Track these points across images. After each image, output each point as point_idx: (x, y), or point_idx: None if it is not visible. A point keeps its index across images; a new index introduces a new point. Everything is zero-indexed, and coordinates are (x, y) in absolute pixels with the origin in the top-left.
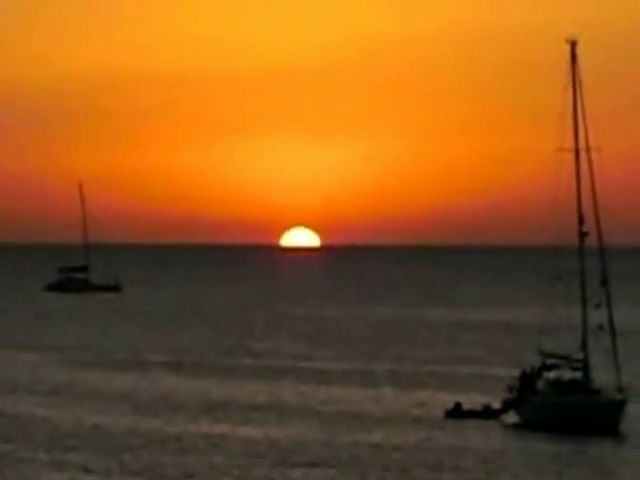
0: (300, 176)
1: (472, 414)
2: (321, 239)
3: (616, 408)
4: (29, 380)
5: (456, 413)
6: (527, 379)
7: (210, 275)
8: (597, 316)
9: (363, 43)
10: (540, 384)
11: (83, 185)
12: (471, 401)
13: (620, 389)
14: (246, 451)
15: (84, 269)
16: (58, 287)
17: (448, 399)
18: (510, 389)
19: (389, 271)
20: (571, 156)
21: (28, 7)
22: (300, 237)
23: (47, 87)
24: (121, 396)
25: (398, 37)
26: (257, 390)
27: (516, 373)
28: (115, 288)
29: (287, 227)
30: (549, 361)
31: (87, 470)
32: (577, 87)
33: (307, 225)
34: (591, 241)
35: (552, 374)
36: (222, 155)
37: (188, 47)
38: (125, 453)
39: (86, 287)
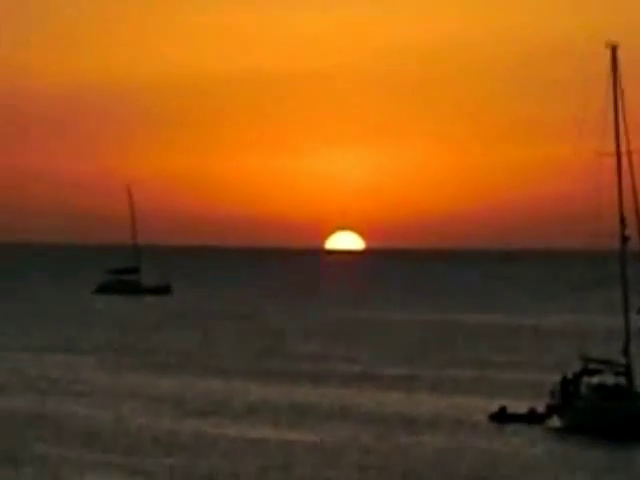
0: (344, 179)
1: (517, 418)
2: (366, 242)
3: None
4: (73, 381)
5: (501, 417)
6: (567, 384)
7: (258, 278)
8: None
9: (400, 51)
10: (583, 389)
11: (131, 187)
12: (516, 405)
13: None
14: (294, 452)
15: (135, 271)
16: (108, 289)
17: (493, 403)
18: (553, 394)
19: (434, 274)
20: (612, 160)
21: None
22: (345, 240)
23: (98, 89)
24: (166, 398)
25: (433, 43)
26: (312, 392)
27: (558, 378)
28: (165, 290)
29: (333, 230)
30: (591, 366)
31: (134, 472)
32: (618, 91)
33: (352, 228)
34: (633, 245)
35: (595, 379)
36: (271, 160)
37: (246, 47)
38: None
39: (136, 289)
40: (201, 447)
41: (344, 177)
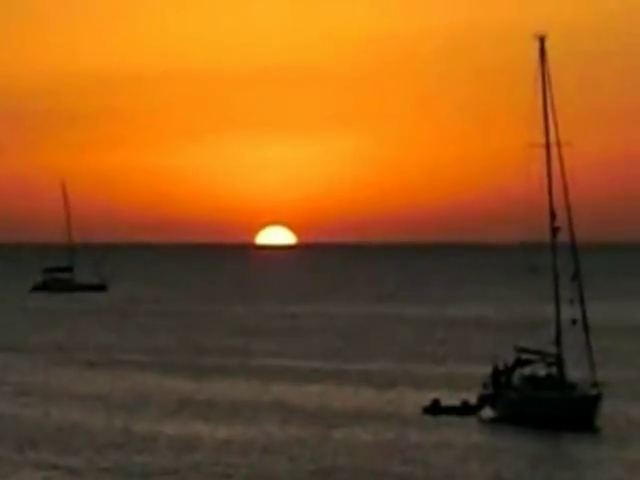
0: (280, 174)
1: (450, 410)
2: (297, 237)
3: (591, 403)
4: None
5: (434, 409)
6: (499, 374)
7: (188, 274)
8: (570, 311)
9: (350, 42)
10: (515, 379)
11: (66, 184)
12: (449, 397)
13: (595, 384)
14: (230, 448)
15: (69, 269)
16: (44, 287)
17: (426, 396)
18: (485, 385)
19: (363, 268)
20: (542, 151)
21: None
22: (276, 235)
23: (28, 87)
24: (96, 395)
25: (383, 37)
26: (243, 387)
27: (490, 369)
28: (101, 287)
29: (264, 225)
30: (524, 356)
31: (66, 471)
32: (546, 82)
33: (284, 223)
34: (563, 236)
35: (527, 369)
36: (203, 154)
37: (170, 46)
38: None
39: (71, 287)
40: (133, 444)
41: (273, 171)
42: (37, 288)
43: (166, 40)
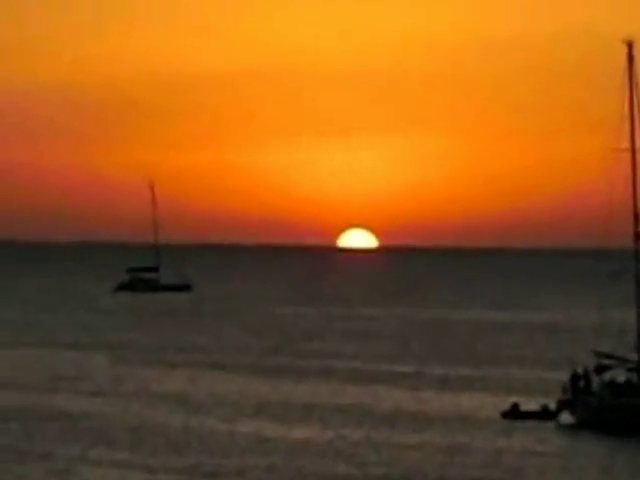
0: (363, 178)
1: (529, 415)
2: (379, 240)
3: None
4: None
5: (513, 414)
6: (577, 379)
7: (277, 275)
8: None
9: (435, 45)
10: (595, 385)
11: (155, 185)
12: (529, 402)
13: None
14: (300, 449)
15: (154, 269)
16: (128, 287)
17: (505, 400)
18: (565, 390)
19: (447, 272)
20: (628, 156)
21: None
22: (358, 238)
23: (120, 88)
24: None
25: (464, 42)
26: (319, 389)
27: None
28: (185, 288)
29: (346, 228)
30: (604, 362)
31: (148, 469)
32: (634, 87)
33: (364, 226)
34: None
35: (607, 375)
36: (288, 154)
37: (259, 45)
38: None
39: (156, 287)
40: (208, 444)
41: (357, 174)
42: (122, 287)
43: (255, 39)
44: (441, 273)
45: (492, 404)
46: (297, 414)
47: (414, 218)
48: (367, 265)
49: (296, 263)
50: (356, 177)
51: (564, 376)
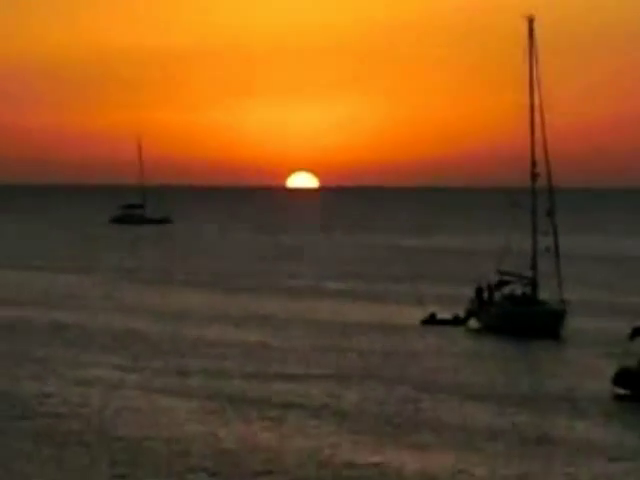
0: (301, 129)
1: (444, 322)
2: (319, 181)
3: (558, 316)
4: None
5: (431, 321)
6: (481, 292)
7: (238, 210)
8: (544, 242)
9: (353, 24)
10: (497, 297)
11: (141, 138)
12: (444, 311)
13: (561, 301)
14: (254, 350)
15: (141, 206)
16: (119, 220)
17: (424, 311)
18: (472, 301)
19: (377, 208)
20: (527, 112)
21: None
22: (302, 180)
23: (113, 58)
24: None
25: (388, 22)
26: (268, 303)
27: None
28: (167, 221)
29: (291, 171)
30: (505, 278)
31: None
32: (533, 57)
33: (308, 169)
34: (542, 182)
35: (507, 289)
36: (243, 113)
37: (213, 26)
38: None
39: (143, 220)
40: (179, 348)
41: (302, 127)
42: (114, 221)
43: (215, 19)
44: (369, 208)
45: (413, 314)
46: (252, 323)
47: (349, 163)
48: (310, 201)
49: (253, 200)
50: (301, 131)
51: (471, 291)
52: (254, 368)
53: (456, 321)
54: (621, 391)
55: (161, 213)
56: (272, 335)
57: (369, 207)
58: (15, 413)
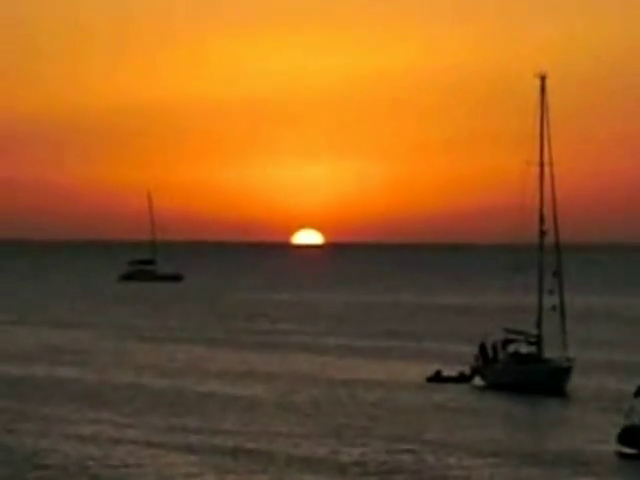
0: (307, 186)
1: (449, 379)
2: (324, 238)
3: (563, 374)
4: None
5: (436, 378)
6: (485, 350)
7: (241, 268)
8: (550, 300)
9: (355, 79)
10: (502, 355)
11: (151, 193)
12: (450, 369)
13: (567, 359)
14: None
15: (151, 262)
16: (130, 277)
17: (430, 368)
18: (477, 358)
19: (380, 264)
20: (537, 168)
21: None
22: (307, 236)
23: (123, 112)
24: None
25: (393, 76)
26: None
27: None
28: (178, 277)
29: (297, 227)
30: (510, 336)
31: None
32: (544, 114)
33: (312, 226)
34: (549, 239)
35: (512, 347)
36: (250, 169)
37: (229, 76)
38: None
39: (153, 277)
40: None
41: (307, 186)
42: (125, 277)
43: (222, 75)
44: (374, 265)
45: (418, 371)
46: (255, 379)
47: (353, 220)
48: (315, 258)
49: (261, 257)
50: (306, 189)
51: (475, 349)
52: (256, 424)
53: (461, 378)
54: (627, 450)
55: (172, 269)
56: (275, 391)
57: (369, 265)
58: (17, 467)
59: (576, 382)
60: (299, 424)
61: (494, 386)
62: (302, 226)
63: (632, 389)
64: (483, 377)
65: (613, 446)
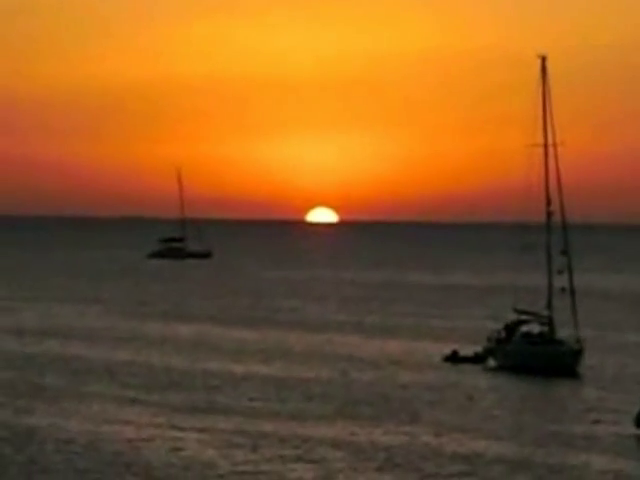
0: (323, 164)
1: (465, 359)
2: (338, 216)
3: (575, 356)
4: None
5: (453, 358)
6: (510, 330)
7: (262, 245)
8: (560, 280)
9: (370, 59)
10: (515, 336)
11: (181, 170)
12: (465, 349)
13: (578, 340)
14: (270, 386)
15: (181, 240)
16: (159, 255)
17: (446, 347)
18: (489, 339)
19: (390, 243)
20: (541, 149)
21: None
22: (321, 215)
23: (151, 90)
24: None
25: (405, 58)
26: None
27: (494, 326)
28: (207, 255)
29: (311, 206)
30: (522, 317)
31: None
32: (546, 94)
33: (327, 204)
34: (556, 219)
35: (524, 327)
36: (265, 149)
37: (247, 56)
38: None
39: (183, 254)
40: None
41: (322, 165)
42: (154, 255)
43: (247, 51)
44: (385, 243)
45: (435, 350)
46: (269, 354)
47: (366, 199)
48: (328, 236)
49: (280, 234)
50: (321, 169)
51: (489, 327)
52: (273, 404)
53: (477, 358)
54: None
55: (202, 247)
56: (292, 370)
57: (381, 243)
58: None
59: (588, 362)
60: (314, 403)
61: (507, 368)
62: (317, 204)
63: None
64: (496, 358)
65: (630, 428)
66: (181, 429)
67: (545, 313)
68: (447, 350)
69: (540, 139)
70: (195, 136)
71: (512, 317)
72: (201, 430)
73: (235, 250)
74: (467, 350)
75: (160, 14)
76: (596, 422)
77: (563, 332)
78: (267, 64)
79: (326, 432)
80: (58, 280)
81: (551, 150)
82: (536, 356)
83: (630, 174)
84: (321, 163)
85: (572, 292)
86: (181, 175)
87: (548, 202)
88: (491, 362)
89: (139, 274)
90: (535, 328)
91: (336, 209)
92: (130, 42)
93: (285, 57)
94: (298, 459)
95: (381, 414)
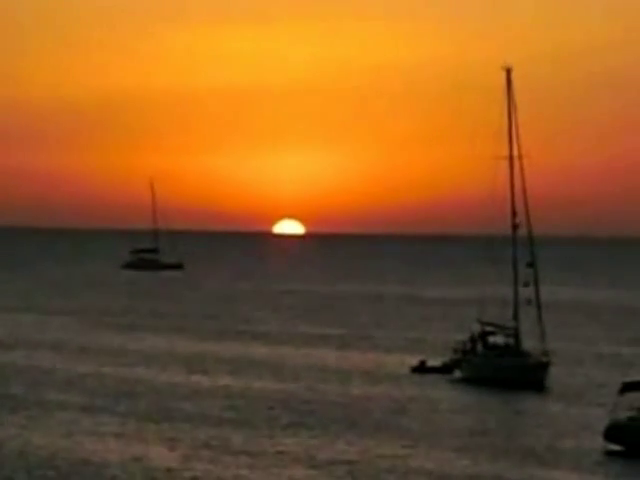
0: (289, 176)
1: (433, 370)
2: (305, 227)
3: (542, 369)
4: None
5: (420, 369)
6: (474, 342)
7: (231, 257)
8: (526, 293)
9: (334, 70)
10: (479, 348)
11: (154, 181)
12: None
13: (545, 353)
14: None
15: (154, 251)
16: (133, 266)
17: (413, 358)
18: (455, 350)
19: (356, 254)
20: (506, 162)
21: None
22: (288, 226)
23: (124, 101)
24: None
25: (372, 70)
26: (234, 347)
27: (459, 337)
28: (179, 266)
29: (278, 218)
30: (487, 328)
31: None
32: (512, 106)
33: (294, 216)
34: (522, 231)
35: (490, 339)
36: (230, 160)
37: (213, 71)
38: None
39: (156, 266)
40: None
41: (288, 176)
42: (127, 266)
43: (230, 63)
44: (350, 255)
45: (403, 361)
46: (235, 366)
47: (333, 211)
48: (295, 248)
49: (247, 245)
50: (287, 180)
51: (454, 339)
52: (236, 413)
53: (445, 369)
54: (613, 447)
55: (175, 258)
56: (257, 381)
57: (346, 255)
58: None
59: (555, 375)
60: (271, 416)
61: (473, 379)
62: (284, 216)
63: (608, 381)
64: (462, 370)
65: (598, 442)
66: (143, 439)
67: (511, 325)
68: (414, 361)
69: (506, 151)
70: (169, 148)
71: (477, 328)
72: (163, 440)
73: (205, 262)
74: (435, 361)
75: (139, 26)
76: (562, 435)
77: (529, 344)
78: (233, 77)
79: (288, 444)
80: (27, 291)
81: (517, 162)
82: (502, 368)
83: (596, 186)
84: (287, 175)
85: (538, 304)
86: (153, 186)
87: (514, 214)
88: (457, 373)
89: (111, 285)
90: (500, 340)
91: (303, 221)
92: (107, 55)
93: (251, 69)
94: (258, 471)
95: (344, 426)
